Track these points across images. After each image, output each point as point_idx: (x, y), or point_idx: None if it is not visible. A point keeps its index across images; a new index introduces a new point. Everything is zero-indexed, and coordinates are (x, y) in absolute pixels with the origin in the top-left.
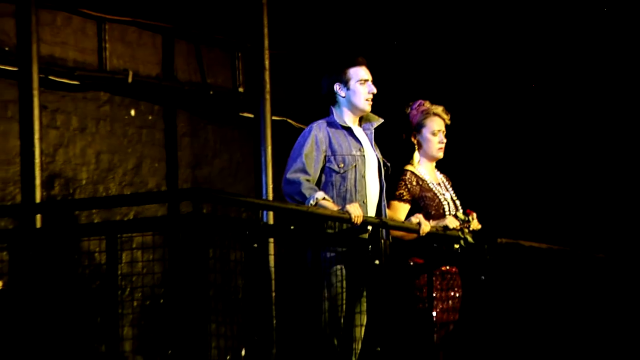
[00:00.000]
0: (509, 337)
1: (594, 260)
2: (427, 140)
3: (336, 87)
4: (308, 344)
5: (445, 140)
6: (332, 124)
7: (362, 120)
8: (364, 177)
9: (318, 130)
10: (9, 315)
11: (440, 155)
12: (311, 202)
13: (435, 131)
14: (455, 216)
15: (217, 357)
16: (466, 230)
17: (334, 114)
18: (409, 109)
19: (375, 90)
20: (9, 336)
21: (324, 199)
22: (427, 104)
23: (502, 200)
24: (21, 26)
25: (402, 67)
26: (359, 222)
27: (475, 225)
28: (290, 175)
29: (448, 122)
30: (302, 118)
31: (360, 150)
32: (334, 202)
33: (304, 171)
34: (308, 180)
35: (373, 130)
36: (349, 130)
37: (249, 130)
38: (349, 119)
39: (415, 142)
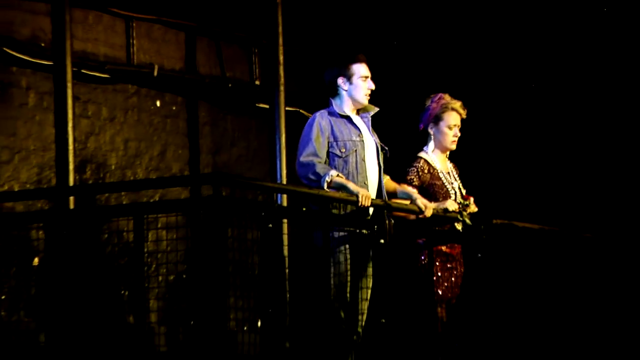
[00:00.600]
0: (505, 311)
1: (581, 240)
2: (442, 132)
3: (340, 80)
4: (318, 316)
5: (459, 134)
6: (333, 114)
7: (360, 110)
8: (363, 160)
9: (321, 119)
10: (45, 289)
11: (454, 147)
12: (327, 179)
13: (451, 125)
14: (455, 200)
15: (235, 327)
16: (464, 213)
17: (334, 104)
18: (429, 101)
19: (373, 87)
20: (45, 309)
21: (338, 175)
22: (447, 98)
23: (498, 184)
24: (56, 24)
25: (405, 61)
26: (367, 204)
27: (472, 208)
28: (303, 158)
29: (464, 116)
30: (314, 109)
31: (359, 136)
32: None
33: (315, 154)
34: (320, 162)
35: (370, 118)
36: (348, 118)
37: (264, 120)
38: (348, 109)
39: (431, 132)
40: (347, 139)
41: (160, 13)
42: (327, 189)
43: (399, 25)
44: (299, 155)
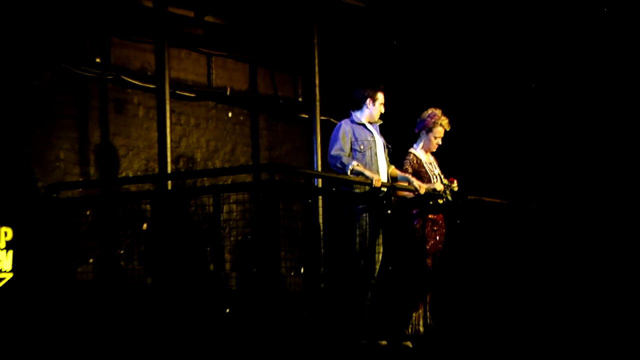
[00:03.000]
0: (476, 261)
1: (530, 211)
2: (429, 140)
3: (368, 100)
4: (344, 265)
5: (440, 143)
6: (353, 122)
7: (371, 121)
8: (375, 154)
9: (345, 125)
10: (151, 246)
11: (434, 150)
12: (350, 167)
13: (437, 136)
14: (441, 182)
15: (285, 273)
16: (447, 192)
17: (354, 115)
18: (426, 115)
19: (383, 110)
20: (152, 260)
21: (357, 165)
22: (438, 114)
23: (473, 168)
24: (158, 59)
25: (403, 85)
26: (378, 185)
27: (455, 187)
28: (333, 152)
29: (448, 129)
30: (339, 118)
31: (372, 137)
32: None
33: (342, 149)
34: (344, 155)
35: (378, 127)
36: (363, 125)
37: (305, 126)
38: (365, 120)
39: (422, 136)
40: (364, 140)
41: (232, 51)
42: (350, 175)
43: (399, 56)
44: (330, 150)
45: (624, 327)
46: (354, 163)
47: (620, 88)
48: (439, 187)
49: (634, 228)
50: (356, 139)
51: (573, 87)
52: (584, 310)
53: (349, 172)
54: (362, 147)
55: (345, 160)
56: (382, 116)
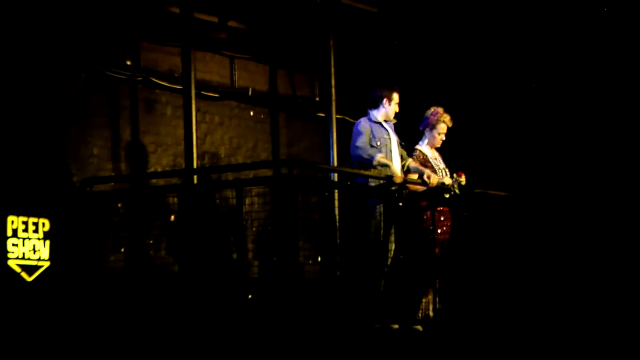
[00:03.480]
0: (481, 249)
1: (533, 203)
2: (434, 136)
3: (384, 100)
4: (359, 254)
5: (444, 138)
6: (370, 120)
7: (386, 120)
8: (390, 150)
9: (364, 123)
10: (178, 236)
11: (439, 145)
12: (376, 158)
13: (440, 132)
14: (451, 176)
15: (303, 261)
16: (455, 185)
17: (371, 114)
18: (429, 113)
19: (397, 110)
20: (179, 249)
21: (383, 157)
22: (441, 112)
23: (477, 161)
24: (185, 61)
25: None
26: (399, 181)
27: (463, 181)
28: (358, 143)
29: (450, 126)
30: (354, 116)
31: (387, 134)
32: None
33: (364, 142)
34: (368, 147)
35: (392, 125)
36: (380, 124)
37: (321, 124)
38: (381, 118)
39: (426, 133)
40: (380, 137)
41: (253, 53)
42: (375, 166)
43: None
44: (354, 142)
45: (623, 314)
46: (380, 154)
47: (620, 84)
48: (448, 181)
49: (631, 219)
50: (374, 136)
51: (574, 83)
52: (585, 297)
53: (375, 163)
54: (378, 144)
55: (371, 152)
56: (395, 114)
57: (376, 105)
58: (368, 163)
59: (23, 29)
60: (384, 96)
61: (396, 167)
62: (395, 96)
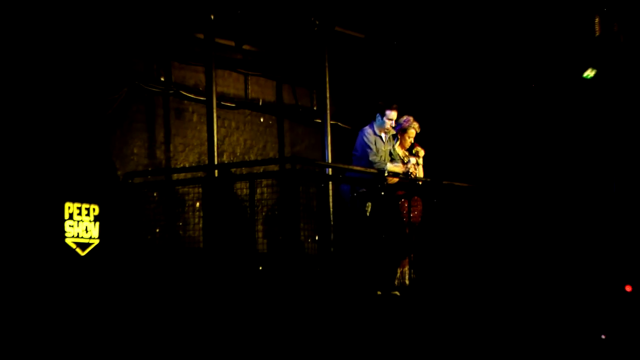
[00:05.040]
0: (448, 230)
1: (488, 192)
2: (404, 138)
3: (383, 116)
4: (349, 232)
5: (413, 141)
6: (373, 131)
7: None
8: (384, 156)
9: (369, 135)
10: (202, 219)
11: (407, 146)
12: (387, 168)
13: (410, 136)
14: (411, 154)
15: (304, 241)
16: (412, 159)
17: (375, 125)
18: (403, 120)
19: (393, 124)
20: (203, 229)
21: (391, 167)
22: (411, 120)
23: (448, 160)
24: (208, 77)
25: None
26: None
27: (422, 152)
28: (371, 158)
29: (418, 131)
30: (346, 122)
31: (384, 145)
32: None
33: (374, 154)
34: (377, 159)
35: (390, 135)
36: (379, 135)
37: (318, 128)
38: (379, 131)
39: (399, 136)
40: (379, 148)
41: (263, 71)
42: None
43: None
44: (369, 156)
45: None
46: (389, 166)
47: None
48: (413, 160)
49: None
50: (376, 146)
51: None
52: (527, 266)
53: (385, 173)
54: (377, 152)
55: (381, 165)
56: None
57: (376, 118)
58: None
59: (81, 54)
60: (383, 113)
61: (388, 167)
62: (393, 114)
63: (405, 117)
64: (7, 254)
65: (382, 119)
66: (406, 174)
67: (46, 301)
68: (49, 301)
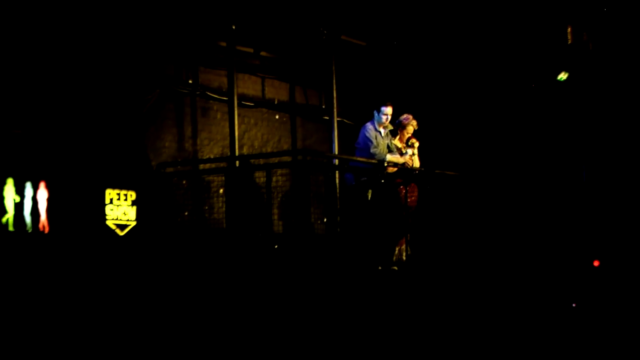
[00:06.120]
0: (441, 213)
1: (474, 179)
2: (403, 134)
3: (376, 112)
4: (353, 215)
5: (411, 136)
6: (374, 127)
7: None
8: (383, 149)
9: (370, 131)
10: (225, 203)
11: (404, 141)
12: (387, 159)
13: (408, 132)
14: (407, 145)
15: (314, 222)
16: (414, 149)
17: (375, 121)
18: (402, 117)
19: (389, 118)
20: (225, 213)
21: (390, 157)
22: (410, 118)
23: (441, 152)
24: (229, 80)
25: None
26: (399, 162)
27: (417, 143)
28: (372, 150)
29: (416, 128)
30: (350, 119)
31: (383, 139)
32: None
33: (376, 147)
34: (378, 151)
35: (388, 130)
36: (378, 131)
37: (327, 125)
38: (378, 126)
39: (399, 132)
40: (379, 142)
41: (278, 74)
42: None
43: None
44: (369, 149)
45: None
46: (389, 157)
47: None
48: (410, 151)
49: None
50: (376, 140)
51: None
52: (511, 243)
53: (385, 164)
54: (377, 145)
55: (382, 156)
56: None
57: (375, 115)
58: (379, 160)
59: (121, 60)
60: (379, 110)
61: (387, 158)
62: (388, 110)
63: (405, 115)
64: (61, 233)
65: (378, 114)
66: (403, 164)
67: (92, 274)
68: (94, 274)
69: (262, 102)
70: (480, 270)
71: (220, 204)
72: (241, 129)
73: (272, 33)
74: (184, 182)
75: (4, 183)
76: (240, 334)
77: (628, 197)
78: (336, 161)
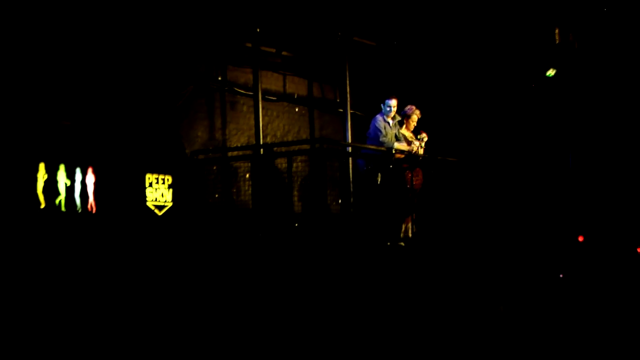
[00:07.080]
0: (443, 194)
1: (472, 165)
2: (408, 123)
3: (383, 105)
4: (364, 196)
5: (415, 124)
6: (383, 118)
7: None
8: (392, 138)
9: (380, 121)
10: (251, 186)
11: (411, 129)
12: (394, 147)
13: (413, 120)
14: (417, 138)
15: (330, 203)
16: (422, 143)
17: (383, 112)
18: (407, 108)
19: (395, 109)
20: (251, 195)
21: (398, 145)
22: (414, 109)
23: (444, 139)
24: (254, 77)
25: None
26: (405, 149)
27: (426, 137)
28: (381, 139)
29: (420, 117)
30: (362, 111)
31: (391, 129)
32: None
33: (384, 136)
34: (387, 140)
35: (396, 121)
36: (387, 121)
37: (341, 116)
38: (386, 117)
39: (404, 121)
40: (388, 131)
41: (298, 72)
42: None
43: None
44: (378, 138)
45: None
46: (396, 145)
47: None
48: (417, 143)
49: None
50: (385, 130)
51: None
52: (507, 223)
53: (393, 151)
54: (386, 135)
55: (390, 144)
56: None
57: (382, 108)
58: (388, 147)
59: (158, 60)
60: (389, 102)
61: (395, 146)
62: (393, 102)
63: (408, 106)
64: (107, 213)
65: (385, 107)
66: (409, 151)
67: (134, 249)
68: (137, 249)
69: (283, 97)
70: (477, 245)
71: (247, 187)
72: (265, 121)
73: (292, 35)
74: (214, 167)
75: (57, 169)
76: (268, 295)
77: (609, 181)
78: (349, 149)
